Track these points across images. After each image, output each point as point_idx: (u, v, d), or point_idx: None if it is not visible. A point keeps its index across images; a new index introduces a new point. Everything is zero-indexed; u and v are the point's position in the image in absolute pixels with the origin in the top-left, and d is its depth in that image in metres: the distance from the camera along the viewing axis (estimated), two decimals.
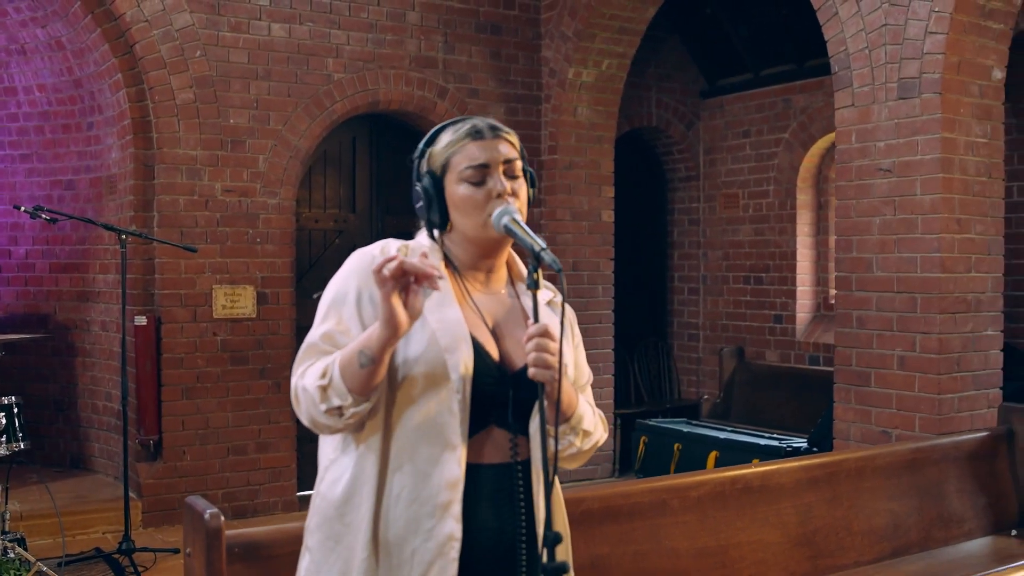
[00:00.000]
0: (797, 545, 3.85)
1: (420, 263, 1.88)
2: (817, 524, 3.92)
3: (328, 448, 2.14)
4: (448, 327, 2.02)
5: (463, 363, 1.99)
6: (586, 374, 2.31)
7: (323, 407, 1.98)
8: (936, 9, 5.01)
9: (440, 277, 1.93)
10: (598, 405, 7.93)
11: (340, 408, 1.97)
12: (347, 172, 7.48)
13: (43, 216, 5.69)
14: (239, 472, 6.67)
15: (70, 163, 7.20)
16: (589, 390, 2.31)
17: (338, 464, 2.10)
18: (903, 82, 5.17)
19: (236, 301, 6.69)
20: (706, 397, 8.63)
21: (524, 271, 2.20)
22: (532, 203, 2.16)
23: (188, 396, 6.54)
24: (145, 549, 5.63)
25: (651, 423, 7.68)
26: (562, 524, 2.14)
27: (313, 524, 2.11)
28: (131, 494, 5.94)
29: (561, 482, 2.18)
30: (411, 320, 1.92)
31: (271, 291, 6.79)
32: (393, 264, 1.87)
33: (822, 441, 6.24)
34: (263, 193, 6.76)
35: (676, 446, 7.28)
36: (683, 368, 9.06)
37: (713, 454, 6.96)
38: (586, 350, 8.11)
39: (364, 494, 2.02)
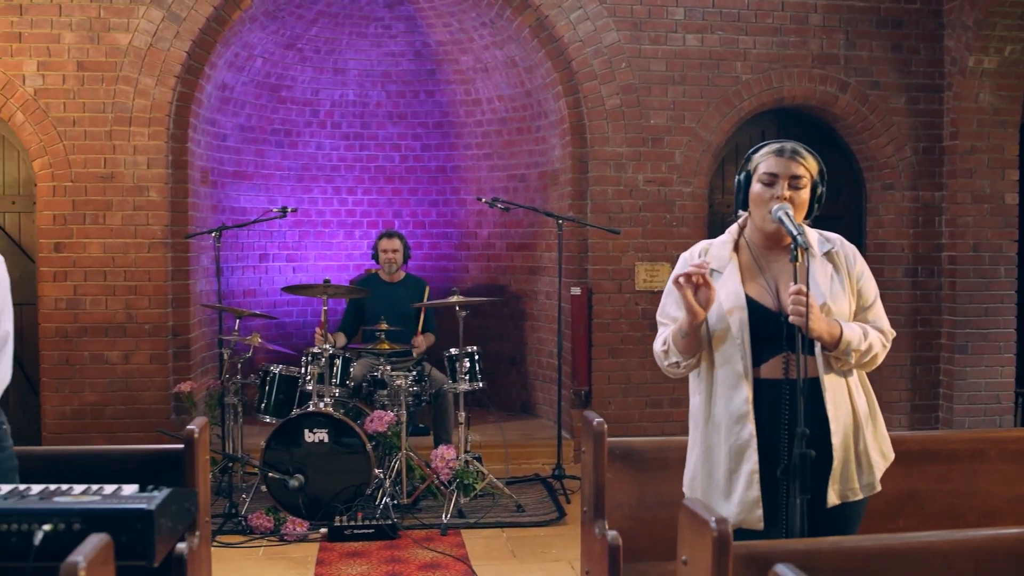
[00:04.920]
0: None
1: (690, 270, 2.87)
2: None
3: (690, 385, 3.24)
4: (729, 296, 3.02)
5: (739, 320, 2.98)
6: (872, 294, 3.10)
7: (666, 363, 3.12)
8: None
9: (706, 270, 2.88)
10: (998, 382, 8.29)
11: (677, 363, 3.07)
12: None
13: (499, 205, 7.11)
14: (655, 423, 7.74)
15: (522, 160, 8.59)
16: (879, 303, 3.12)
17: (693, 393, 3.21)
18: None
19: (655, 276, 7.74)
20: None
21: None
22: (811, 212, 3.07)
23: (613, 355, 7.69)
24: (573, 477, 6.82)
25: None
26: (837, 419, 2.96)
27: (689, 430, 3.21)
28: (564, 434, 7.20)
29: None
30: (705, 307, 2.91)
31: None
32: (674, 276, 2.89)
33: None
34: (679, 183, 7.76)
35: None
36: None
37: None
38: (986, 329, 8.40)
39: (700, 410, 3.12)
